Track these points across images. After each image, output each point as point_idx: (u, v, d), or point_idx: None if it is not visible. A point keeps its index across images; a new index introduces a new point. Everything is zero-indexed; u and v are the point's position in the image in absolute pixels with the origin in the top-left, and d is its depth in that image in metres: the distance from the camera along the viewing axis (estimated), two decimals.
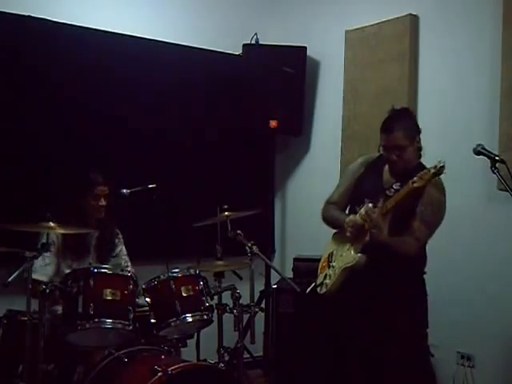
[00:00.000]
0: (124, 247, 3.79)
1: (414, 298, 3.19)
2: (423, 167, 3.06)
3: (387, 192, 3.12)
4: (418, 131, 3.22)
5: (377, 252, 3.06)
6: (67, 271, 3.32)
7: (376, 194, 3.15)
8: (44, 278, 3.33)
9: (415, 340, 3.19)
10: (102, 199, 3.56)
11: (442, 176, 2.98)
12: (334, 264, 3.27)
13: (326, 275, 3.29)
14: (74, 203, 3.53)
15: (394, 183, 3.15)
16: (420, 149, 3.21)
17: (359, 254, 3.10)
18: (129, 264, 3.77)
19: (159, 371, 2.85)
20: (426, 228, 3.10)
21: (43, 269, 3.38)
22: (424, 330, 3.23)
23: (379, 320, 3.13)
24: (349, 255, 3.17)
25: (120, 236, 3.78)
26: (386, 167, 3.29)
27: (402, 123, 3.17)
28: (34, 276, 3.23)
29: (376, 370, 3.18)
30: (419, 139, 3.20)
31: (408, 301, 3.15)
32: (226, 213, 3.70)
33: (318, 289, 3.32)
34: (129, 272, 3.21)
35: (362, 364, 3.23)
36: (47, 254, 3.26)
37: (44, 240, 3.11)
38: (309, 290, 3.43)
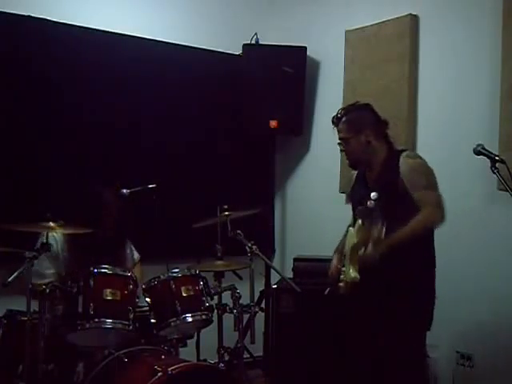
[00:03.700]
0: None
1: (418, 297, 3.17)
2: (394, 159, 3.15)
3: (368, 203, 3.04)
4: (370, 125, 3.25)
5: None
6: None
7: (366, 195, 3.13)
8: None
9: (413, 340, 3.17)
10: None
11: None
12: (343, 269, 3.25)
13: (340, 276, 3.27)
14: (99, 204, 3.50)
15: (371, 193, 3.06)
16: (369, 142, 3.23)
17: (357, 276, 3.06)
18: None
19: (159, 371, 2.85)
20: (430, 190, 3.10)
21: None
22: (423, 331, 3.23)
23: (380, 317, 3.15)
24: (348, 273, 3.14)
25: (132, 248, 3.76)
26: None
27: (348, 116, 3.28)
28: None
29: (375, 370, 3.20)
30: (369, 133, 3.23)
31: (411, 300, 3.13)
32: (226, 213, 3.70)
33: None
34: (129, 272, 3.20)
35: (361, 363, 3.25)
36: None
37: (44, 240, 3.11)
38: (327, 291, 3.40)
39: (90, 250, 3.43)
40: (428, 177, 3.14)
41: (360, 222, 3.07)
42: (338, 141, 3.32)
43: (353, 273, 3.08)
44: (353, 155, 3.30)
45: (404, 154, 3.18)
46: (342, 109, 3.36)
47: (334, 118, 3.32)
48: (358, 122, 3.26)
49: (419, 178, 3.11)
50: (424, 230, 3.10)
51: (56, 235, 3.36)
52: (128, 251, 3.74)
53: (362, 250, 3.04)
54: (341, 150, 3.37)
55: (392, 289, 3.11)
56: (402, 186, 3.08)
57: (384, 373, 3.16)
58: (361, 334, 3.26)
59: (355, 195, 3.37)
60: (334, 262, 3.35)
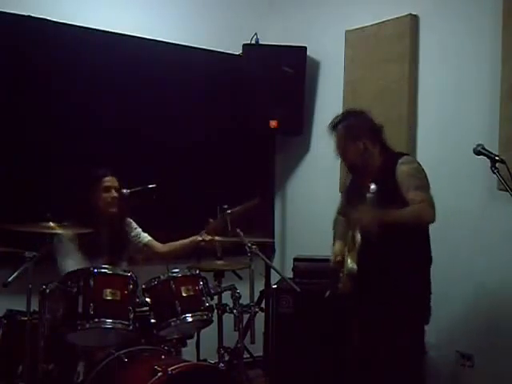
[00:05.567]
0: (139, 229, 3.84)
1: (414, 294, 3.19)
2: (391, 163, 3.20)
3: (367, 195, 3.10)
4: (366, 132, 3.30)
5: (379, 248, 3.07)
6: None
7: (359, 199, 3.16)
8: None
9: (411, 335, 3.19)
10: (113, 191, 3.59)
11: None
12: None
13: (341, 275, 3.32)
14: (86, 201, 3.53)
15: (370, 184, 3.11)
16: (366, 149, 3.28)
17: (354, 267, 3.13)
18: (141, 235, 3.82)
19: (159, 371, 2.85)
20: (423, 191, 3.14)
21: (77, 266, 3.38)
22: (421, 326, 3.24)
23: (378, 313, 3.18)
24: (346, 264, 3.21)
25: (133, 224, 3.81)
26: None
27: (344, 123, 3.33)
28: None
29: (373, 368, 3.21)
30: (366, 140, 3.28)
31: (407, 298, 3.16)
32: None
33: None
34: (129, 272, 3.21)
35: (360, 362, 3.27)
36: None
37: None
38: (327, 294, 3.46)
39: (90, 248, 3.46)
40: (422, 180, 3.20)
41: None
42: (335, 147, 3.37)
43: (350, 263, 3.14)
44: (350, 161, 3.36)
45: (400, 160, 3.23)
46: (338, 115, 3.40)
47: (330, 124, 3.37)
48: (355, 128, 3.31)
49: (413, 180, 3.17)
50: (416, 220, 3.12)
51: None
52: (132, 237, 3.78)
53: (359, 236, 3.09)
54: (337, 156, 3.42)
55: (389, 285, 3.13)
56: (396, 187, 3.13)
57: (382, 368, 3.17)
58: (360, 331, 3.28)
59: (353, 189, 3.43)
60: (337, 248, 3.39)
